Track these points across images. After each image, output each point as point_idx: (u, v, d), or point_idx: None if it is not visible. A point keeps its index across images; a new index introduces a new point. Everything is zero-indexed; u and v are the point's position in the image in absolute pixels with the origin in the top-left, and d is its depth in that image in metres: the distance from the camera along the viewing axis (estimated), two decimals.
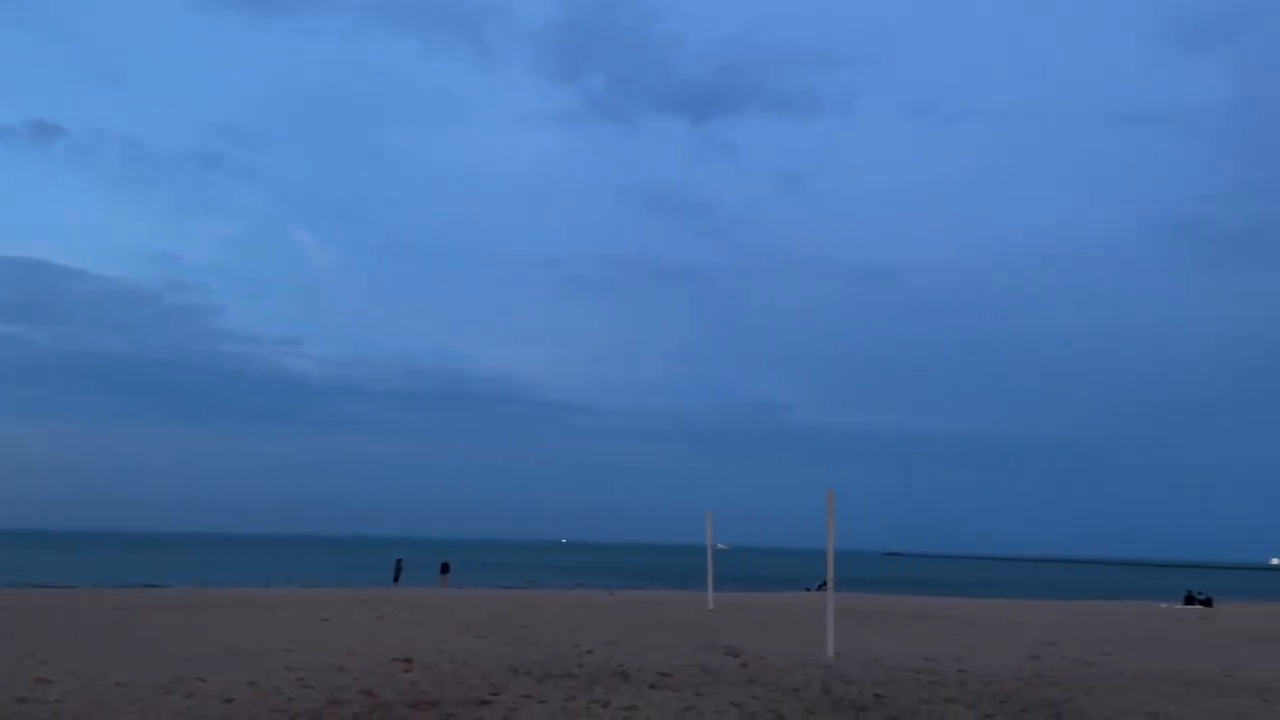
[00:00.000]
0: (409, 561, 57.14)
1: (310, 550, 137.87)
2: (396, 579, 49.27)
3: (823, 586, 42.11)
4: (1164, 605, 41.73)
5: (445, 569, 49.26)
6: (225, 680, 11.28)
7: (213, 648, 14.83)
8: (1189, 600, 42.65)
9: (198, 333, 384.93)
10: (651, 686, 11.69)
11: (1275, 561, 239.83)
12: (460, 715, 9.50)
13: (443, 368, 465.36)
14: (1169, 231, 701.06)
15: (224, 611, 22.90)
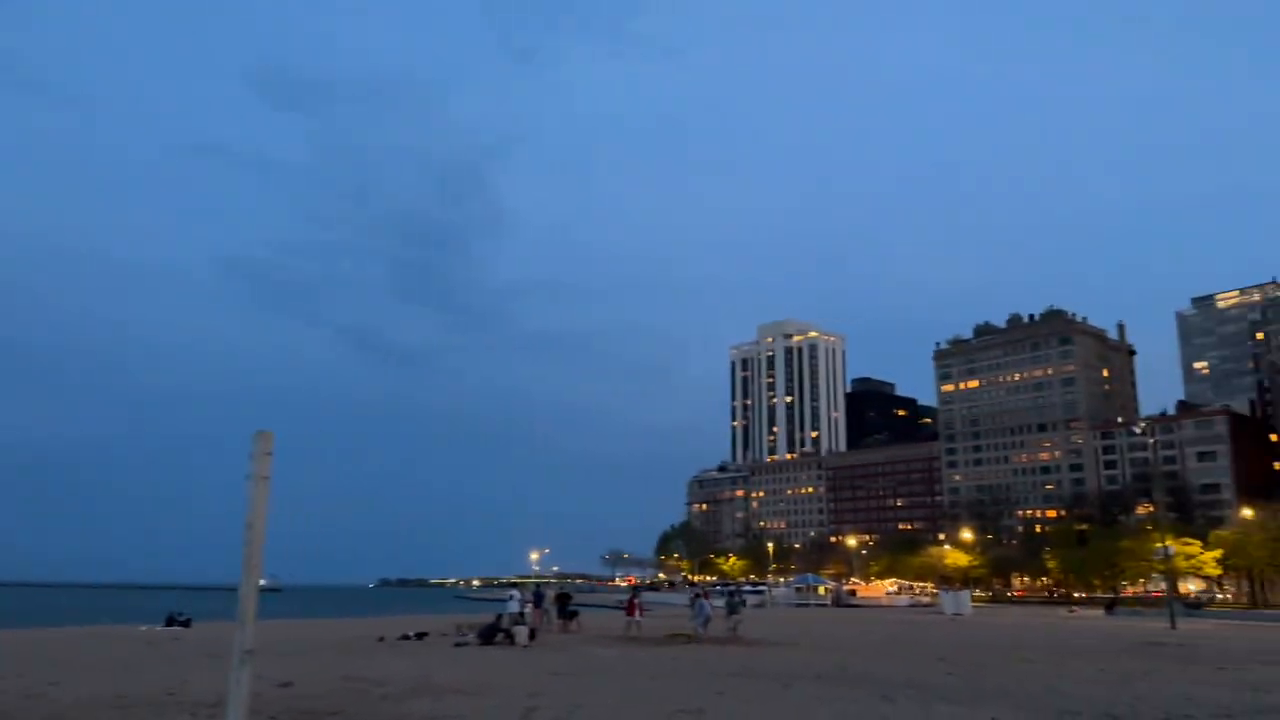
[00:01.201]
0: None
1: None
2: None
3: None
4: (144, 628, 41.78)
5: None
6: None
7: None
8: (169, 622, 43.60)
9: None
10: None
11: (263, 583, 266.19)
12: None
13: None
14: (229, 266, 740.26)
15: None
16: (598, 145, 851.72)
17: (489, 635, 28.32)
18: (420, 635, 31.29)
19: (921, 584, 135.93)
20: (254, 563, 6.86)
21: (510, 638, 27.93)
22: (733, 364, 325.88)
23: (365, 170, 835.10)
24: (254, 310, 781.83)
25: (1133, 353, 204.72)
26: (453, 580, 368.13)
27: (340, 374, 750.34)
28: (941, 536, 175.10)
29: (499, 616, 30.82)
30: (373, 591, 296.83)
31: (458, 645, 27.56)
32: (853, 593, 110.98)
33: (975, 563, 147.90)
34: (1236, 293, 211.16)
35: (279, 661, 20.99)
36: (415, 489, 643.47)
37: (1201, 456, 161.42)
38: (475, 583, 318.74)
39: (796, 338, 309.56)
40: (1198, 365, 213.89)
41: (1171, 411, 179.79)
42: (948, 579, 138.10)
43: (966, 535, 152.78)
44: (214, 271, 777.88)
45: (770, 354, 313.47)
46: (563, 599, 38.50)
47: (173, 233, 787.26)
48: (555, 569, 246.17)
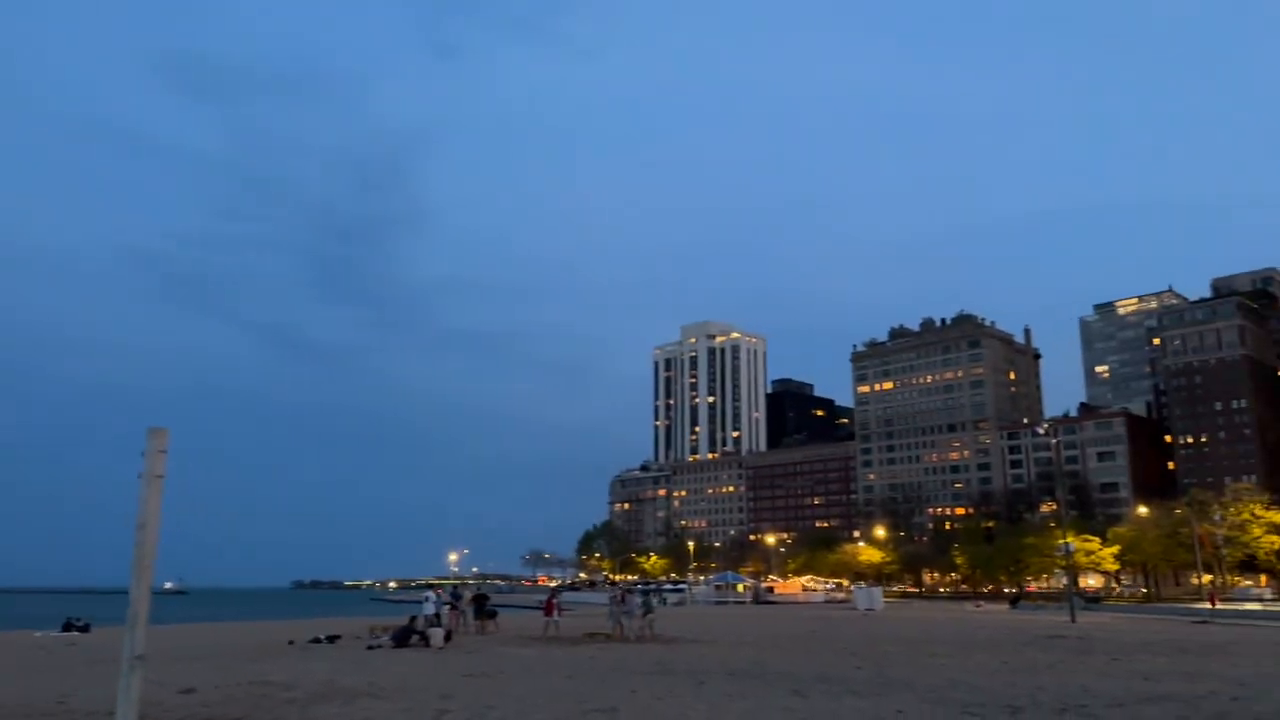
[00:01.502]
0: None
1: None
2: None
3: None
4: (38, 634, 39.97)
5: None
6: None
7: None
8: (67, 627, 41.84)
9: None
10: None
11: (169, 585, 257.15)
12: None
13: None
14: (137, 257, 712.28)
15: None
16: (520, 143, 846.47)
17: (403, 637, 27.85)
18: (332, 638, 30.61)
19: (837, 580, 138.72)
20: (145, 565, 6.61)
21: (425, 640, 27.52)
22: (656, 364, 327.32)
23: (283, 163, 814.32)
24: (163, 304, 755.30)
25: (1038, 356, 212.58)
26: (369, 582, 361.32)
27: (255, 371, 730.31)
28: (856, 534, 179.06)
29: (413, 618, 30.33)
30: (285, 594, 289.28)
31: (370, 648, 27.05)
32: (771, 590, 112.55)
33: (888, 559, 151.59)
34: (1135, 300, 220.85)
35: (182, 667, 20.31)
36: (331, 489, 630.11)
37: (1101, 456, 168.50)
38: (392, 585, 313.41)
39: (719, 338, 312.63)
40: (1099, 369, 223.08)
41: (1074, 413, 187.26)
42: (862, 575, 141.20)
43: (880, 532, 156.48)
44: (120, 262, 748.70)
45: (693, 354, 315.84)
46: (479, 600, 38.12)
47: (76, 220, 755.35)
48: (475, 570, 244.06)
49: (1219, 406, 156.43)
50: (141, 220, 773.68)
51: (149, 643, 7.46)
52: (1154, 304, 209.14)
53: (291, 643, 29.39)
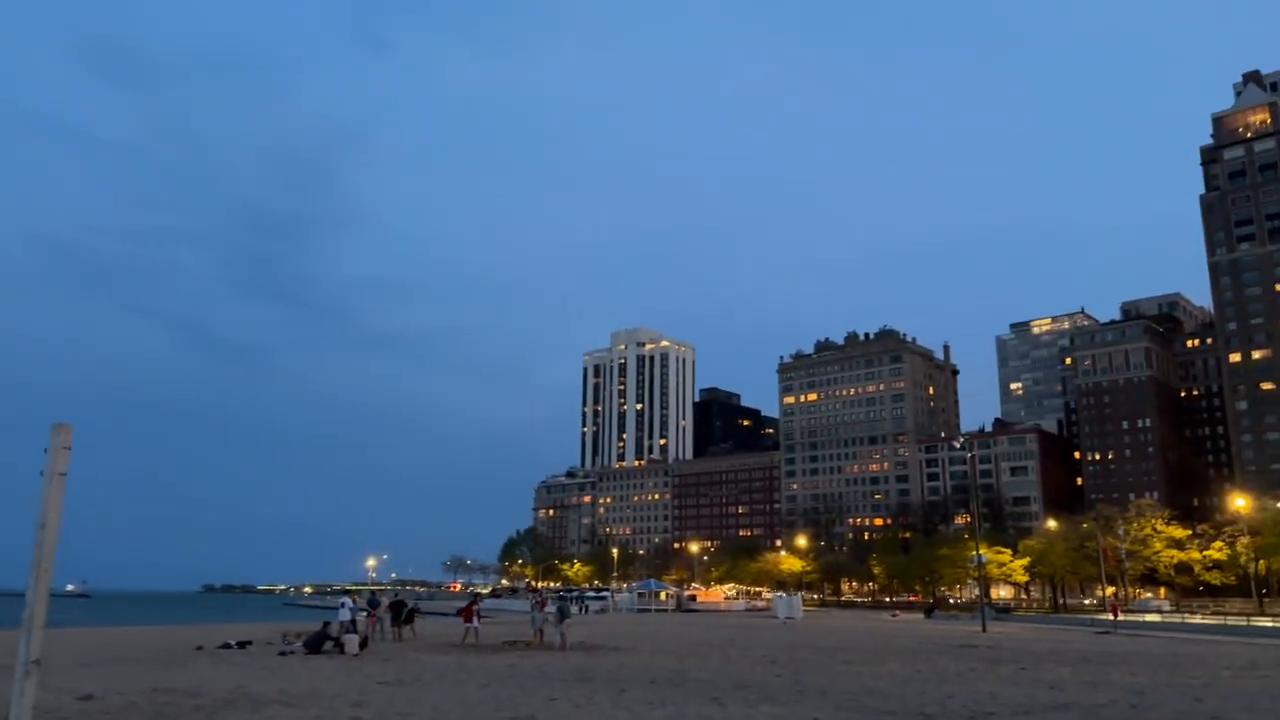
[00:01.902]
0: None
1: None
2: None
3: None
4: None
5: None
6: None
7: None
8: None
9: None
10: None
11: (71, 588, 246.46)
12: None
13: None
14: (45, 247, 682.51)
15: None
16: (452, 143, 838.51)
17: (317, 644, 27.20)
18: (243, 644, 29.74)
19: (758, 588, 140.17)
20: (44, 566, 6.33)
21: (340, 646, 26.91)
22: (585, 370, 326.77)
23: (204, 155, 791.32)
24: (75, 297, 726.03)
25: (956, 373, 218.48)
26: (283, 587, 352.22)
27: (170, 369, 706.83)
28: (778, 543, 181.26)
29: (326, 624, 29.65)
30: (195, 598, 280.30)
31: (283, 654, 26.34)
32: (694, 598, 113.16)
33: (808, 568, 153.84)
34: (1049, 320, 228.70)
35: (82, 673, 19.50)
36: (246, 492, 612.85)
37: (1014, 471, 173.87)
38: (307, 590, 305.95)
39: (649, 346, 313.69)
40: (1013, 386, 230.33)
41: (989, 428, 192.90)
42: (783, 584, 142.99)
43: (801, 542, 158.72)
44: (31, 251, 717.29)
45: (623, 361, 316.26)
46: (397, 606, 37.44)
47: None
48: (393, 575, 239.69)
49: (1125, 425, 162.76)
50: (54, 209, 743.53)
51: (46, 647, 7.10)
52: (1067, 324, 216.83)
53: (200, 648, 28.46)
